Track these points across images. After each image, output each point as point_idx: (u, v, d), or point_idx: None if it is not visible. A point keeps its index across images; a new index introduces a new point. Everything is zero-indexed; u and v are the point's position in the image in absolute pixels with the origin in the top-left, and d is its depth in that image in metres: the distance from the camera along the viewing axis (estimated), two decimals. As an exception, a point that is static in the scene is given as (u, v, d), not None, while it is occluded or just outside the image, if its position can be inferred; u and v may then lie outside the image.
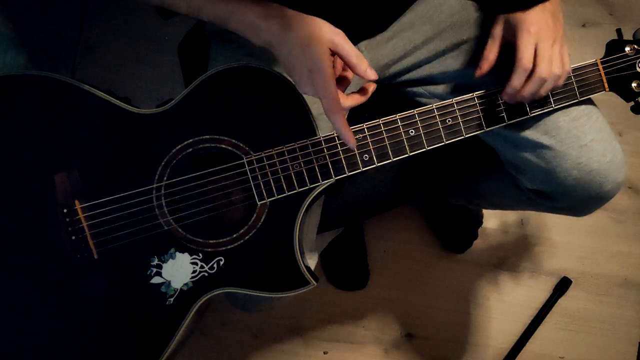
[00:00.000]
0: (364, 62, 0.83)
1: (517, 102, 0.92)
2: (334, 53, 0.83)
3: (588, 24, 1.81)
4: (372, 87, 0.88)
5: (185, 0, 0.86)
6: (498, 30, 0.92)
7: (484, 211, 1.66)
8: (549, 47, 0.88)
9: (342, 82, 0.88)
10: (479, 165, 1.26)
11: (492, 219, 1.68)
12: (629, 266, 1.68)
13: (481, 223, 1.65)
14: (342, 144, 0.91)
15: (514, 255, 1.68)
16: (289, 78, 0.90)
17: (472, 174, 1.32)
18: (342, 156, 0.91)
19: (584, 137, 0.96)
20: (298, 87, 0.85)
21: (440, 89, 1.04)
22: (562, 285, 1.64)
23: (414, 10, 1.02)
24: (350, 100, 0.86)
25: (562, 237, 1.69)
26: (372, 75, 0.84)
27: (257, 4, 0.83)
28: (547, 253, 1.68)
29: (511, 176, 1.10)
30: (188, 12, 0.87)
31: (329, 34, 0.82)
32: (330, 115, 0.82)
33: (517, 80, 0.89)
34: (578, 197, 1.00)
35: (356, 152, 0.91)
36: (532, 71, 0.89)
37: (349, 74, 0.88)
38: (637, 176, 1.73)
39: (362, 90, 0.88)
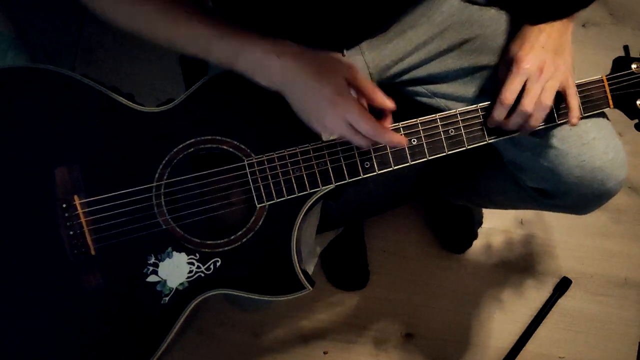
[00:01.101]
0: (379, 92, 0.85)
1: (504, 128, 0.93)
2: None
3: (588, 24, 1.81)
4: (390, 114, 0.89)
5: (193, 40, 0.85)
6: (500, 72, 0.95)
7: (484, 211, 1.65)
8: (538, 82, 0.89)
9: None
10: (480, 164, 1.26)
11: (492, 219, 1.68)
12: (629, 266, 1.68)
13: (481, 223, 1.65)
14: (344, 150, 0.91)
15: (514, 255, 1.68)
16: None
17: (473, 172, 1.32)
18: (343, 162, 0.91)
19: (585, 135, 0.96)
20: (317, 124, 0.85)
21: (441, 88, 1.04)
22: (562, 285, 1.64)
23: (414, 10, 1.02)
24: (386, 123, 0.88)
25: (562, 237, 1.69)
26: (390, 104, 0.85)
27: (266, 40, 0.83)
28: (547, 253, 1.68)
29: (512, 174, 1.10)
30: (197, 53, 0.86)
31: (342, 67, 0.83)
32: (376, 133, 0.83)
33: (496, 112, 0.91)
34: (580, 195, 1.00)
35: (358, 158, 0.91)
36: (517, 108, 0.90)
37: (363, 102, 0.88)
38: (637, 176, 1.72)
39: (383, 118, 0.88)
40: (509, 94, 0.89)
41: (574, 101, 0.92)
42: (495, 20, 1.00)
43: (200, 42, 0.85)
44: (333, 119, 0.83)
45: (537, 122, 0.91)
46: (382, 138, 0.84)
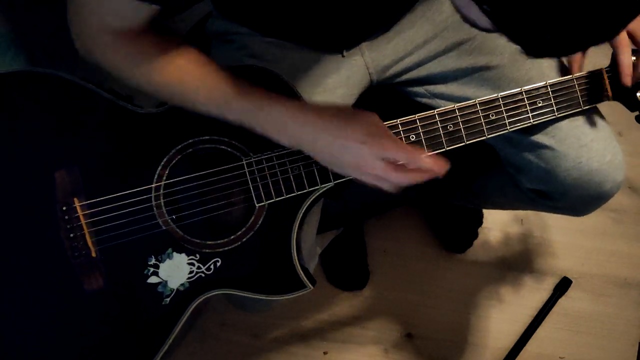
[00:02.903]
0: (402, 146, 0.85)
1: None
2: None
3: (588, 23, 1.81)
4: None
5: (212, 102, 0.84)
6: None
7: (484, 211, 1.65)
8: None
9: None
10: (479, 165, 1.26)
11: (492, 219, 1.68)
12: (629, 266, 1.68)
13: (481, 223, 1.65)
14: None
15: (514, 255, 1.68)
16: (290, 81, 0.90)
17: (472, 173, 1.32)
18: None
19: (583, 137, 0.97)
20: (351, 171, 0.85)
21: (440, 88, 1.04)
22: (562, 285, 1.64)
23: (414, 10, 1.02)
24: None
25: (562, 237, 1.68)
26: (419, 155, 0.84)
27: (286, 98, 0.83)
28: (547, 253, 1.68)
29: (511, 176, 1.10)
30: (216, 113, 0.85)
31: (365, 113, 0.84)
32: (419, 163, 0.82)
33: (624, 57, 0.90)
34: (578, 197, 1.00)
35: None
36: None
37: None
38: (637, 176, 1.72)
39: None
40: (622, 36, 0.90)
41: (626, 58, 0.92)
42: (495, 21, 1.00)
43: (219, 102, 0.84)
44: (370, 159, 0.82)
45: None
46: (422, 162, 0.83)
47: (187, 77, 0.84)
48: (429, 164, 0.83)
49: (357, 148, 0.81)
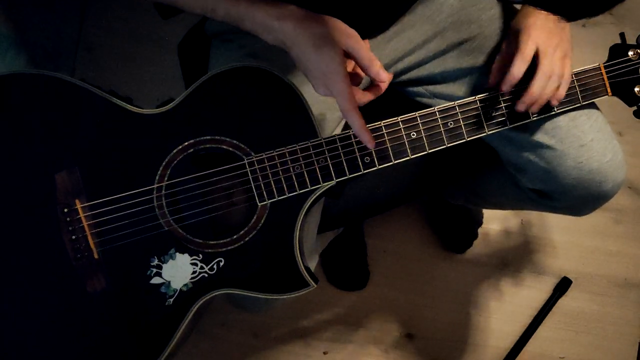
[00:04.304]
0: (376, 64, 0.84)
1: (529, 102, 0.92)
2: (346, 54, 0.83)
3: (588, 24, 1.81)
4: (384, 85, 0.88)
5: (200, 2, 0.85)
6: (503, 46, 0.95)
7: (484, 211, 1.66)
8: (551, 47, 0.90)
9: (354, 79, 0.88)
10: (479, 164, 1.26)
11: (492, 219, 1.68)
12: (629, 266, 1.68)
13: (481, 223, 1.65)
14: (344, 146, 0.91)
15: (514, 255, 1.68)
16: (290, 80, 0.90)
17: (472, 173, 1.33)
18: (343, 158, 0.91)
19: (584, 136, 0.97)
20: (314, 88, 0.85)
21: (440, 88, 1.04)
22: (562, 285, 1.64)
23: (414, 10, 1.02)
24: (365, 96, 0.87)
25: (562, 237, 1.69)
26: (385, 77, 0.85)
27: (271, 5, 0.83)
28: (547, 253, 1.68)
29: (511, 176, 1.10)
30: (198, 11, 0.87)
31: (342, 36, 0.83)
32: (347, 116, 0.83)
33: (516, 67, 0.90)
34: (578, 197, 1.00)
35: (358, 154, 0.91)
36: (537, 69, 0.90)
37: (359, 71, 0.88)
38: (637, 176, 1.73)
39: (375, 87, 0.88)
40: (529, 50, 0.90)
41: (568, 71, 0.92)
42: (494, 20, 1.00)
43: (208, 3, 0.85)
44: (323, 92, 0.84)
45: (552, 90, 0.91)
46: (355, 128, 0.85)
47: None
48: (357, 133, 0.86)
49: (317, 78, 0.83)
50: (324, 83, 0.83)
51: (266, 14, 0.83)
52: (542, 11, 0.90)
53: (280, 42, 0.84)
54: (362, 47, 0.83)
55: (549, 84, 0.90)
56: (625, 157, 1.01)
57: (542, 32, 0.90)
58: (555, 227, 1.69)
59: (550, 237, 1.69)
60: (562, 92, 0.92)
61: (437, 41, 1.02)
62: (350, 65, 0.90)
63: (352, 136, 0.91)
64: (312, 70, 0.83)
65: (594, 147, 0.97)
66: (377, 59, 0.84)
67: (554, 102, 0.92)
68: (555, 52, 0.90)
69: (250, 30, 0.85)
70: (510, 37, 0.95)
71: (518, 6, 1.00)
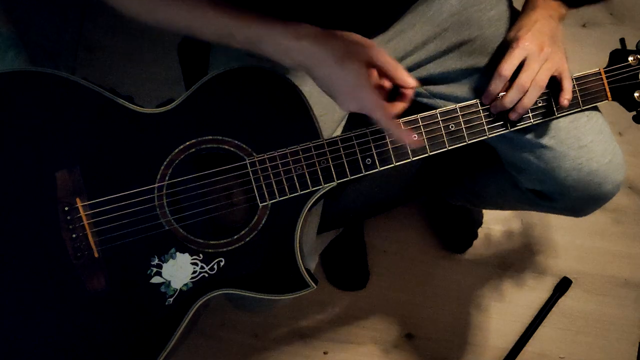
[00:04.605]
0: (402, 69, 0.84)
1: (498, 110, 0.93)
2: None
3: (588, 24, 1.81)
4: (410, 92, 0.88)
5: (212, 26, 0.85)
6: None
7: (484, 211, 1.66)
8: (536, 61, 0.90)
9: (380, 91, 0.88)
10: (479, 165, 1.26)
11: (493, 219, 1.68)
12: (629, 266, 1.68)
13: (481, 223, 1.65)
14: (345, 147, 0.91)
15: (514, 255, 1.68)
16: (291, 80, 0.90)
17: (472, 174, 1.33)
18: (344, 159, 0.91)
19: (583, 137, 0.97)
20: (341, 105, 0.85)
21: (440, 89, 1.04)
22: (562, 285, 1.64)
23: (414, 10, 1.02)
24: (396, 108, 0.87)
25: (562, 237, 1.69)
26: (413, 82, 0.85)
27: (287, 25, 0.83)
28: (547, 253, 1.68)
29: (511, 176, 1.10)
30: (216, 39, 0.86)
31: (362, 48, 0.83)
32: (386, 126, 0.83)
33: (492, 85, 0.91)
34: (577, 198, 1.00)
35: (359, 155, 0.91)
36: (516, 80, 0.90)
37: (387, 83, 0.88)
38: (637, 176, 1.73)
39: (402, 96, 0.88)
40: (507, 66, 0.90)
41: (568, 83, 0.92)
42: (495, 22, 1.00)
43: (223, 30, 0.85)
44: (354, 107, 0.84)
45: (531, 101, 0.91)
46: (392, 132, 0.84)
47: (189, 14, 0.85)
48: (395, 136, 0.86)
49: (344, 94, 0.83)
50: (353, 98, 0.83)
51: (284, 35, 0.83)
52: (539, 20, 0.91)
53: (301, 64, 0.83)
54: (384, 55, 0.84)
55: (528, 94, 0.91)
56: (625, 157, 1.01)
57: (532, 44, 0.90)
58: (555, 227, 1.69)
59: (550, 237, 1.69)
60: (526, 101, 0.92)
61: (437, 42, 1.02)
62: (375, 79, 0.90)
63: (353, 137, 0.91)
64: (339, 87, 0.83)
65: (593, 148, 0.97)
66: (400, 65, 0.84)
67: (519, 111, 0.93)
68: (543, 65, 0.91)
69: (269, 54, 0.85)
70: (501, 48, 0.96)
71: (519, 7, 1.01)
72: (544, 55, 0.90)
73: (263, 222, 0.91)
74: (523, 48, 0.90)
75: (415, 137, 0.92)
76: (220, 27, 0.84)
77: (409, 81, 0.84)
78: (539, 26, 0.92)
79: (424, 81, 1.06)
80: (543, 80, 0.90)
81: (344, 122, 1.05)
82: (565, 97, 0.92)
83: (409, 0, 1.01)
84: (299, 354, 1.59)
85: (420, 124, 0.92)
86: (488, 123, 0.94)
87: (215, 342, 1.57)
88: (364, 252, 1.63)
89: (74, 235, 0.89)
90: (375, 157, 0.91)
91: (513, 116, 0.93)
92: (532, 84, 0.90)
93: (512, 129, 0.95)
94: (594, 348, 1.64)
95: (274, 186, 0.90)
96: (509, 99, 0.91)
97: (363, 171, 0.92)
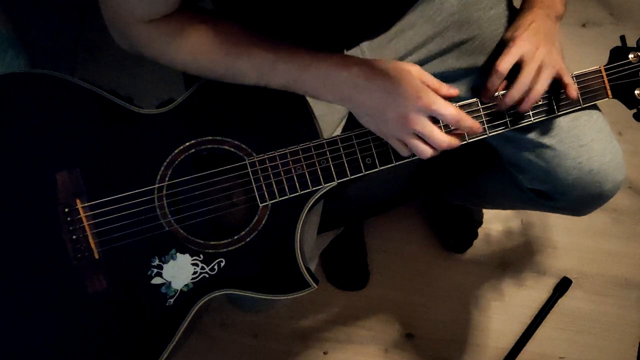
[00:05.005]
0: (444, 85, 0.87)
1: (500, 109, 0.94)
2: None
3: (588, 24, 1.81)
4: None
5: (256, 68, 0.84)
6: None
7: (484, 211, 1.66)
8: (534, 60, 0.90)
9: None
10: (479, 164, 1.26)
11: (492, 219, 1.68)
12: (629, 266, 1.68)
13: (481, 223, 1.65)
14: (345, 147, 0.91)
15: (514, 255, 1.68)
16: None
17: (472, 173, 1.33)
18: (344, 159, 0.91)
19: (584, 136, 0.97)
20: (390, 129, 0.87)
21: (440, 89, 1.05)
22: (562, 285, 1.64)
23: (415, 10, 1.02)
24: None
25: (562, 237, 1.69)
26: (455, 92, 0.88)
27: (331, 55, 0.84)
28: (547, 253, 1.68)
29: (511, 175, 1.10)
30: (259, 79, 0.86)
31: (407, 67, 0.85)
32: (462, 123, 0.85)
33: (490, 82, 0.92)
34: (577, 197, 1.00)
35: (359, 155, 0.91)
36: (516, 79, 0.90)
37: None
38: (637, 176, 1.73)
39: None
40: (504, 63, 0.90)
41: (568, 78, 0.92)
42: (495, 21, 1.00)
43: (264, 67, 0.84)
44: (417, 114, 0.84)
45: (531, 101, 0.91)
46: (464, 122, 0.86)
47: (228, 45, 0.85)
48: (471, 123, 0.86)
49: (407, 104, 0.83)
50: (419, 106, 0.83)
51: (330, 65, 0.83)
52: (535, 20, 0.91)
53: (345, 97, 0.84)
54: (425, 73, 0.87)
55: (531, 94, 0.91)
56: (625, 156, 1.01)
57: (529, 44, 0.90)
58: (555, 227, 1.69)
59: (550, 237, 1.69)
60: (525, 105, 0.92)
61: (437, 41, 1.02)
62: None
63: (353, 137, 0.91)
64: (399, 104, 0.83)
65: (593, 147, 0.97)
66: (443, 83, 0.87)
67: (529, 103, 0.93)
68: (537, 64, 0.91)
69: (309, 90, 0.85)
70: (498, 49, 0.96)
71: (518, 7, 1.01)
72: (540, 55, 0.90)
73: (263, 222, 0.91)
74: (519, 47, 0.90)
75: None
76: (262, 65, 0.84)
77: (452, 92, 0.87)
78: (535, 26, 0.92)
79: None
80: (544, 80, 0.91)
81: (344, 122, 1.05)
82: (572, 90, 0.92)
83: (409, 0, 1.01)
84: (299, 354, 1.59)
85: (422, 122, 0.92)
86: (488, 122, 0.94)
87: (215, 342, 1.57)
88: (364, 252, 1.63)
89: (74, 237, 0.89)
90: (375, 157, 0.91)
91: (524, 107, 0.93)
92: (533, 81, 0.90)
93: (512, 128, 0.95)
94: (594, 348, 1.64)
95: (274, 186, 0.90)
96: (510, 98, 0.91)
97: (363, 171, 0.92)
